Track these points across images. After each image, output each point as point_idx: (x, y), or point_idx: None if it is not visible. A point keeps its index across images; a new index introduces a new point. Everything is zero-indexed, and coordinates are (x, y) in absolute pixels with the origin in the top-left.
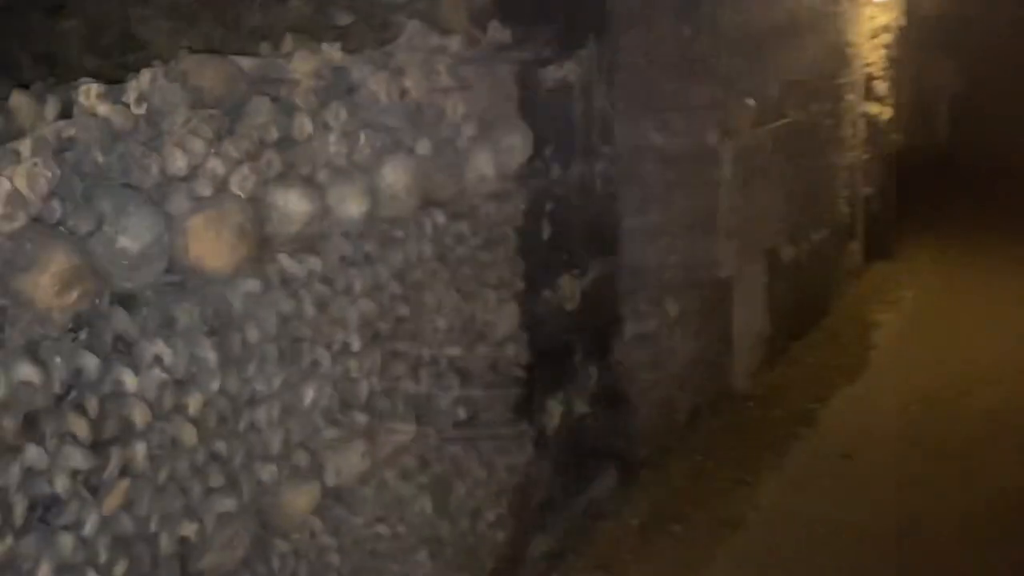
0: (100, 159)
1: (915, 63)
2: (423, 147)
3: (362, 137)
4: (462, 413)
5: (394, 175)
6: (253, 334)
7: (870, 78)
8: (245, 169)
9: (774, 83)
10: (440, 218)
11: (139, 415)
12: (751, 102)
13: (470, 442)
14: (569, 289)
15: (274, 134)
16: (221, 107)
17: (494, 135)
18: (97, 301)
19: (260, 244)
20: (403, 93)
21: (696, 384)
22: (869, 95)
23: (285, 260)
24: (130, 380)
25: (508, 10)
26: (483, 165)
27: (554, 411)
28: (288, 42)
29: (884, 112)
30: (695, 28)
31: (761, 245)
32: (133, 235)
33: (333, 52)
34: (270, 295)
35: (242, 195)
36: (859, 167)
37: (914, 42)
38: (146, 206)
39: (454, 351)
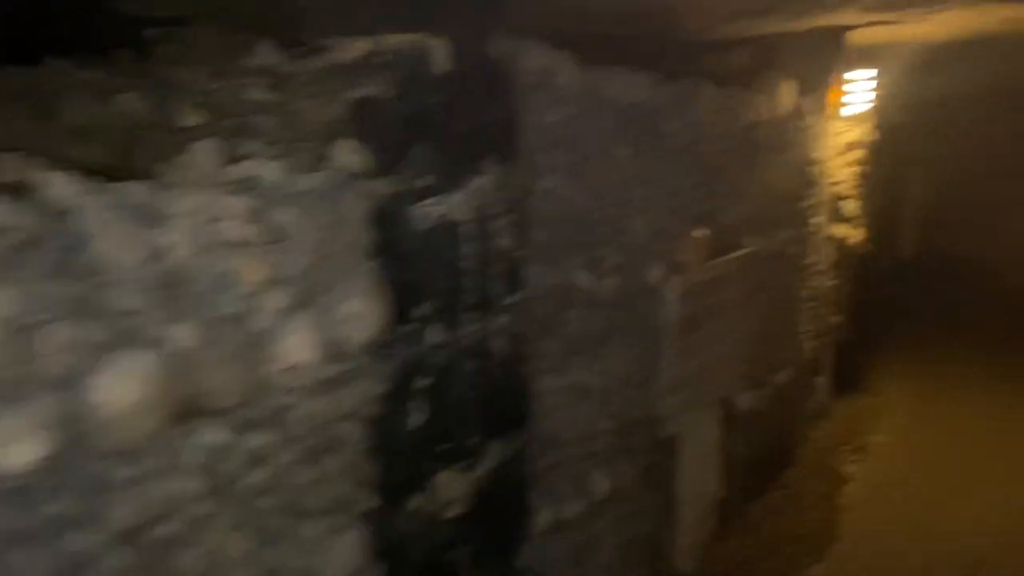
0: None
1: (886, 178)
2: (182, 335)
3: (56, 332)
4: None
5: (120, 385)
6: None
7: (838, 198)
8: None
9: (730, 209)
10: (216, 434)
11: None
12: (702, 232)
13: None
14: (451, 489)
15: None
16: None
17: (323, 302)
18: None
19: None
20: (158, 253)
21: (631, 573)
22: (837, 216)
23: None
24: None
25: (372, 126)
26: (298, 348)
27: None
28: (13, 164)
29: (854, 234)
30: (635, 147)
31: (713, 395)
32: None
33: (59, 185)
34: None
35: None
36: (826, 295)
37: (887, 156)
38: None
39: None
